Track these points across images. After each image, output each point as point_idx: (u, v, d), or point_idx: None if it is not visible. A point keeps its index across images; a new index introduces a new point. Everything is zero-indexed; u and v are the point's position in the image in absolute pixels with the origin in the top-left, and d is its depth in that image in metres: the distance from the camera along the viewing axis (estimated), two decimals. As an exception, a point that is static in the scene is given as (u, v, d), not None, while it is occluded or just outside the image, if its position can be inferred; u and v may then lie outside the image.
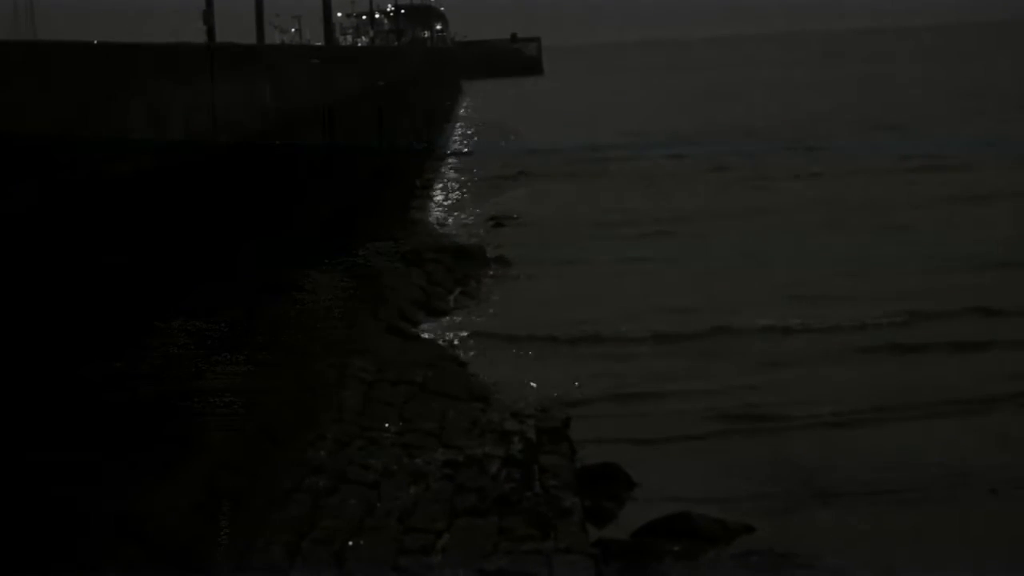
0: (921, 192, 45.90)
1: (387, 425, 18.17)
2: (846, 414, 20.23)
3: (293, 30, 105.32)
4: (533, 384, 22.47)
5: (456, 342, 26.11)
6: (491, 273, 34.02)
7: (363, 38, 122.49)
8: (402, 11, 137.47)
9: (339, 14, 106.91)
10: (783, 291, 29.26)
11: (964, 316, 26.04)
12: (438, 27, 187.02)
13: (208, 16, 41.60)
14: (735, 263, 33.64)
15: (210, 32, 41.85)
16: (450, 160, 72.14)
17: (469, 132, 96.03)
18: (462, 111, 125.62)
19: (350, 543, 13.84)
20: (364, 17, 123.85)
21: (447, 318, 28.60)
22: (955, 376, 22.05)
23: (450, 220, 45.96)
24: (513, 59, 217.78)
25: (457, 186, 58.40)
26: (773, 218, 41.52)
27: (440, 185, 58.82)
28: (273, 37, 71.10)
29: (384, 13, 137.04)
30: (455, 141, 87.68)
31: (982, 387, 21.24)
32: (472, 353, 25.12)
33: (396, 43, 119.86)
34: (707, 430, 19.91)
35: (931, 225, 38.31)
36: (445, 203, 51.75)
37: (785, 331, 25.54)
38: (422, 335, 26.32)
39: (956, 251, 33.54)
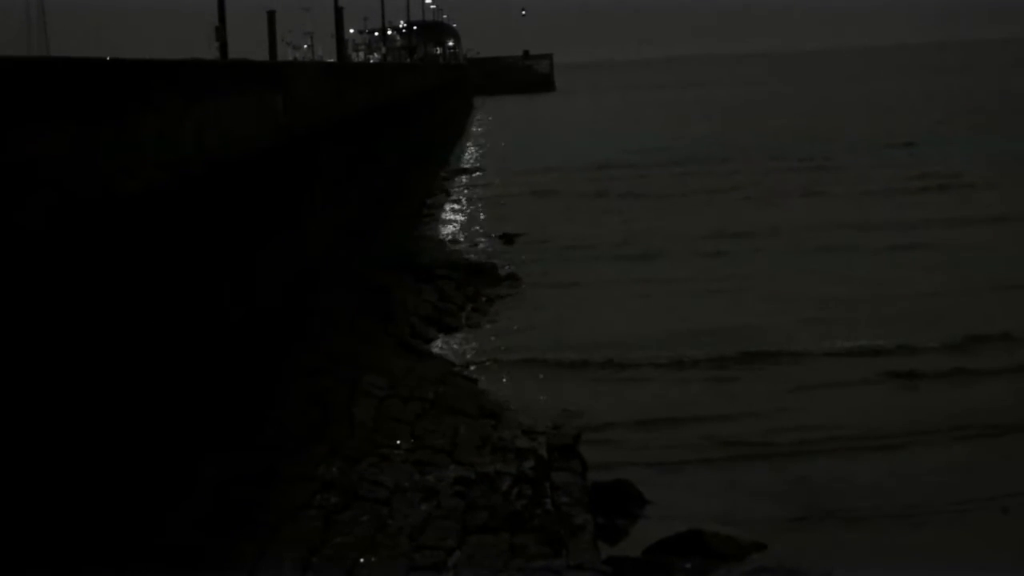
0: (935, 211, 45.38)
1: (398, 441, 18.15)
2: (862, 438, 20.02)
3: (305, 47, 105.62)
4: (544, 402, 22.43)
5: (467, 359, 26.08)
6: (502, 290, 33.99)
7: (375, 55, 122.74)
8: (414, 27, 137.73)
9: (351, 30, 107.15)
10: (801, 314, 28.81)
11: (985, 342, 25.58)
12: (450, 43, 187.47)
13: (221, 32, 41.76)
14: (751, 283, 33.30)
15: (223, 48, 42.01)
16: (461, 176, 72.18)
17: (480, 148, 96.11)
18: (474, 127, 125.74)
19: (361, 560, 13.82)
20: (376, 34, 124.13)
21: (458, 335, 28.59)
22: (973, 401, 21.81)
23: (461, 236, 45.96)
24: (525, 76, 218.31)
25: (467, 202, 58.42)
26: (787, 238, 40.99)
27: (451, 201, 58.86)
28: (286, 54, 71.29)
29: (396, 30, 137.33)
30: (466, 157, 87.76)
31: (999, 413, 21.01)
32: (483, 370, 25.09)
33: (408, 59, 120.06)
34: (722, 453, 19.73)
35: (949, 245, 37.77)
36: (455, 219, 51.78)
37: (800, 356, 25.16)
38: (433, 351, 26.31)
39: (975, 273, 33.06)
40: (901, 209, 46.58)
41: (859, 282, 32.64)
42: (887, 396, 22.51)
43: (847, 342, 25.76)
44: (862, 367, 24.17)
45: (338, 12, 67.34)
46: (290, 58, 76.52)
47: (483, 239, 44.73)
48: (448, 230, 48.20)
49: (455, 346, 27.42)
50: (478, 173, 74.04)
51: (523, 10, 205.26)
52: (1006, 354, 24.67)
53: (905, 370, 23.76)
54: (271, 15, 53.86)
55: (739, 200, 52.79)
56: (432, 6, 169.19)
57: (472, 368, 25.16)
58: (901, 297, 30.43)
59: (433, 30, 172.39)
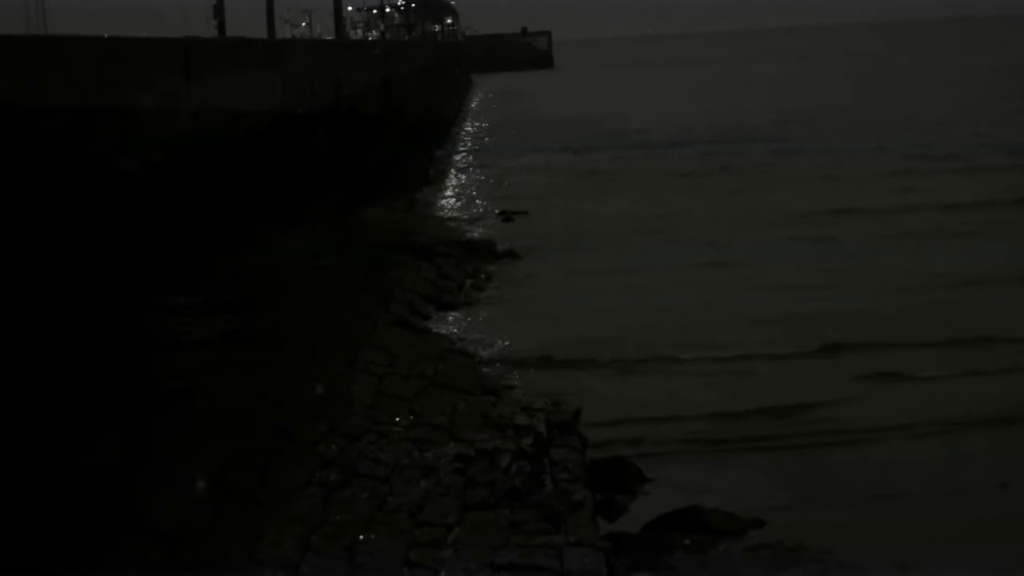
0: (954, 194, 44.26)
1: (398, 419, 18.18)
2: (861, 431, 19.78)
3: (304, 24, 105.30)
4: (544, 379, 22.41)
5: (466, 336, 26.06)
6: (501, 268, 33.96)
7: (373, 32, 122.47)
8: (413, 5, 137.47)
9: (350, 8, 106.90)
10: (797, 308, 27.85)
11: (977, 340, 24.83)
12: (448, 21, 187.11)
13: (219, 10, 41.74)
14: (740, 273, 32.30)
15: (221, 27, 41.97)
16: (459, 154, 72.09)
17: (479, 126, 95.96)
18: (473, 105, 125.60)
19: (361, 537, 13.84)
20: (375, 11, 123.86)
21: (457, 312, 28.57)
22: (974, 395, 21.54)
23: (460, 214, 45.89)
24: (524, 53, 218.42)
25: (466, 180, 58.33)
26: (788, 226, 39.60)
27: (449, 179, 58.79)
28: (284, 31, 71.13)
29: (395, 7, 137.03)
30: (465, 135, 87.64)
31: (1000, 407, 20.78)
32: (482, 347, 25.07)
33: (407, 37, 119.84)
34: (717, 445, 19.56)
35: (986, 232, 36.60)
36: (454, 197, 51.71)
37: (798, 353, 24.46)
38: (432, 328, 26.29)
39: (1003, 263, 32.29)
40: (916, 192, 45.65)
41: (854, 272, 31.88)
42: (885, 390, 22.15)
43: (846, 337, 25.16)
44: (859, 363, 23.67)
45: (336, -10, 67.23)
46: (288, 36, 76.30)
47: (482, 217, 44.65)
48: (447, 208, 48.13)
49: (454, 323, 27.40)
50: (476, 151, 73.90)
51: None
52: (1004, 351, 24.15)
53: (904, 366, 23.21)
54: (269, -7, 53.72)
55: (732, 183, 51.91)
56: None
57: (471, 345, 25.13)
58: (923, 288, 29.43)
59: (431, 7, 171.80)
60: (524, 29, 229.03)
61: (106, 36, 14.65)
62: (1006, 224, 38.05)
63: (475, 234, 39.63)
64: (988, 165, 52.99)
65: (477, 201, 49.67)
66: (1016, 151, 56.89)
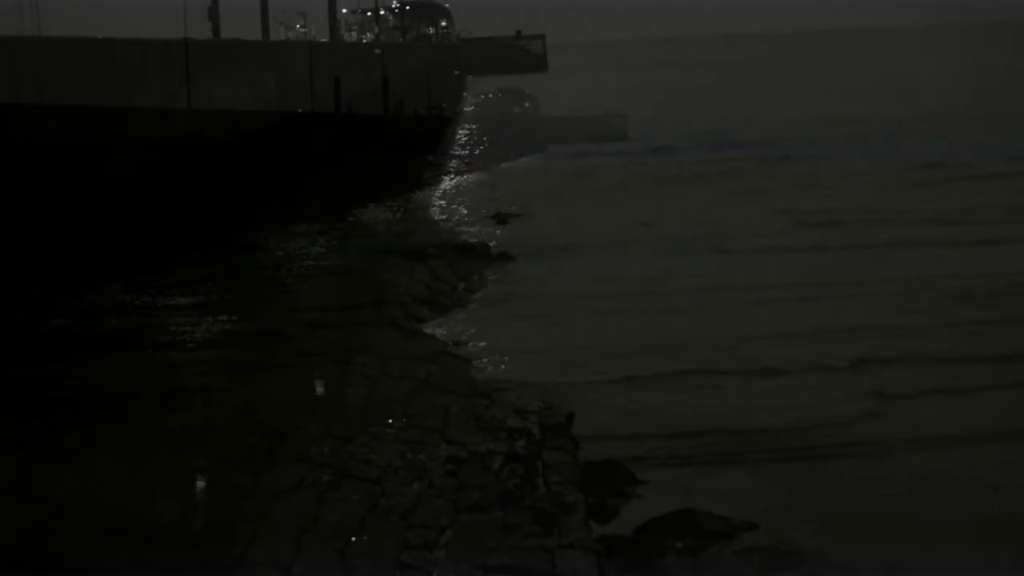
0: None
1: (390, 421, 18.20)
2: (855, 443, 19.71)
3: (299, 26, 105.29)
4: (537, 382, 22.38)
5: (459, 338, 26.07)
6: (495, 270, 33.94)
7: (368, 35, 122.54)
8: (407, 7, 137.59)
9: (344, 10, 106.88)
10: (790, 324, 27.11)
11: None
12: (443, 24, 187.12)
13: (214, 12, 41.76)
14: (739, 281, 31.65)
15: (215, 29, 42.00)
16: (455, 155, 72.00)
17: (474, 127, 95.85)
18: (468, 107, 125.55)
19: (353, 539, 13.86)
20: (369, 14, 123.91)
21: (451, 314, 28.56)
22: (989, 409, 21.45)
23: (453, 216, 45.81)
24: (518, 56, 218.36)
25: (460, 182, 58.26)
26: (790, 231, 39.22)
27: (443, 181, 58.70)
28: (279, 33, 71.13)
29: (389, 10, 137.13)
30: (458, 137, 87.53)
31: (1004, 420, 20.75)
32: (475, 349, 25.09)
33: (401, 40, 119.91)
34: (714, 446, 19.52)
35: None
36: (448, 199, 51.63)
37: (791, 368, 24.27)
38: (425, 331, 26.31)
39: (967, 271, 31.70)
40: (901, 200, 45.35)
41: (853, 280, 31.13)
42: (886, 404, 21.85)
43: (847, 350, 24.86)
44: (861, 375, 23.27)
45: (331, -8, 67.29)
46: (283, 38, 76.32)
47: (476, 219, 44.52)
48: (441, 210, 48.05)
49: (447, 325, 27.38)
50: (472, 153, 73.79)
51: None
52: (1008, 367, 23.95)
53: (906, 380, 22.92)
54: (264, -5, 53.73)
55: (728, 188, 51.35)
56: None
57: (464, 347, 25.15)
58: (902, 297, 28.99)
59: (426, 10, 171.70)
60: (518, 32, 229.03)
61: (100, 37, 14.68)
62: (1004, 232, 37.89)
63: (469, 236, 39.56)
64: (987, 171, 52.76)
65: (472, 203, 49.57)
66: (1015, 156, 56.69)
